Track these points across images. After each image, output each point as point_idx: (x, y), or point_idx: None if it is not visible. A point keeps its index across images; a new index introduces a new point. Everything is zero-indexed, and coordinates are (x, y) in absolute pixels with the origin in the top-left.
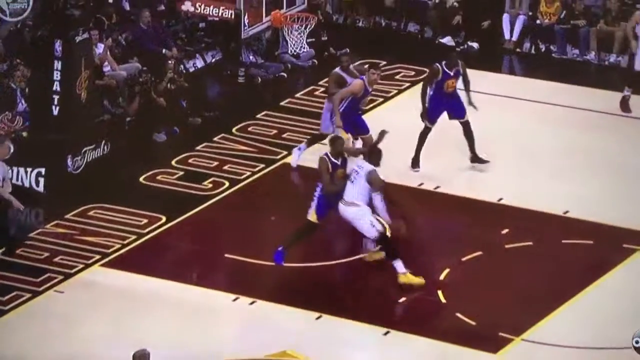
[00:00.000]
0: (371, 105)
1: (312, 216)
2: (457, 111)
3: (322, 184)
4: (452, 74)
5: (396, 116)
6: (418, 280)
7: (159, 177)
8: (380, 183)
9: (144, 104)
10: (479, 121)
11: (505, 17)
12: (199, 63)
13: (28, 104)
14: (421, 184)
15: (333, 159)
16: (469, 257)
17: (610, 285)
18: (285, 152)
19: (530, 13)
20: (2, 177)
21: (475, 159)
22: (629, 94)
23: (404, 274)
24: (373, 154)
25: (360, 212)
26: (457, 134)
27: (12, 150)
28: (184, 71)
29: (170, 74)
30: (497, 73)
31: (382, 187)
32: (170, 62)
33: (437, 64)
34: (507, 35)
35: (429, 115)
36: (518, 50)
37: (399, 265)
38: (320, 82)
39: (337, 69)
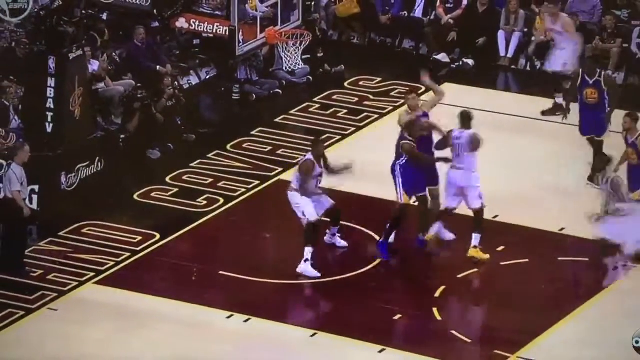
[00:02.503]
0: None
1: (404, 198)
2: (598, 128)
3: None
4: (591, 82)
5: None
6: (486, 257)
7: (153, 194)
8: (480, 143)
9: (142, 120)
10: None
11: (501, 34)
12: (194, 79)
13: (21, 121)
14: (416, 201)
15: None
16: (465, 274)
17: (607, 303)
18: (280, 169)
19: (525, 30)
20: (21, 182)
21: (592, 179)
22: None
23: (475, 249)
24: (413, 127)
25: (476, 178)
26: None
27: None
28: (179, 87)
29: (169, 90)
30: (492, 89)
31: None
32: (167, 78)
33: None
34: (502, 52)
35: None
36: (513, 67)
37: (477, 237)
38: (315, 99)
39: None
